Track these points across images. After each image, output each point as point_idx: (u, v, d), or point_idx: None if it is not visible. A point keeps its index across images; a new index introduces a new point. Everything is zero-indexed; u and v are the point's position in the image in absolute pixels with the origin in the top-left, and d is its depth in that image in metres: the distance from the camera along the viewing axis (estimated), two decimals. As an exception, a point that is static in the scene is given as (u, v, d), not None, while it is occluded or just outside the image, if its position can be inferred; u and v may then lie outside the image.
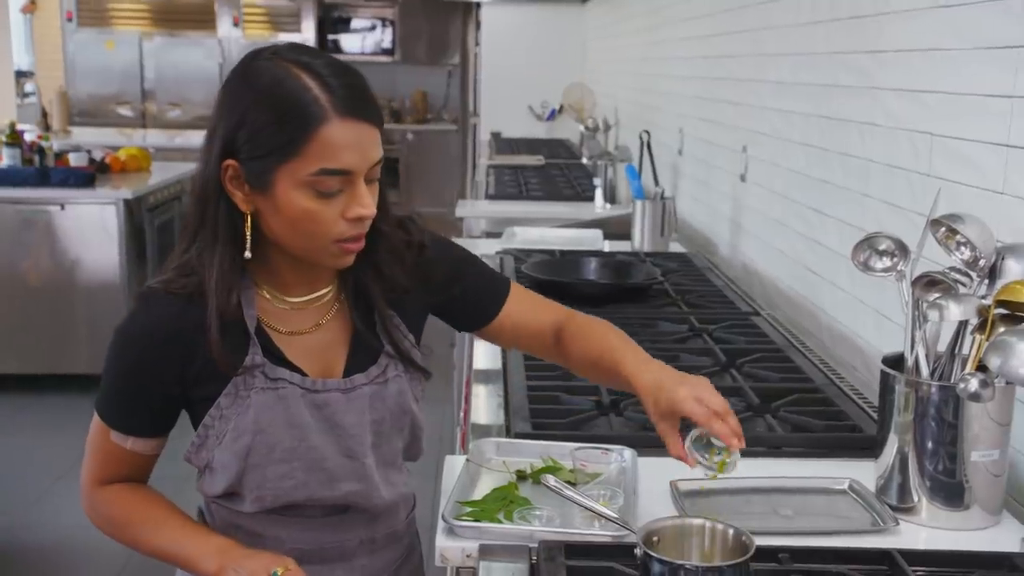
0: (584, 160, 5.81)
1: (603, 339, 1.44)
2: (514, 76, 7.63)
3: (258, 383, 1.27)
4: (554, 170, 5.40)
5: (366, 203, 1.22)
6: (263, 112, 1.19)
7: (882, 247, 1.46)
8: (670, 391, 1.30)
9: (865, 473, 1.50)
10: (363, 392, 1.32)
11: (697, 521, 1.15)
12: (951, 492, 1.37)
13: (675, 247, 3.38)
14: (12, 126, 5.32)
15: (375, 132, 1.22)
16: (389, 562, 1.41)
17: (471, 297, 1.46)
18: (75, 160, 5.11)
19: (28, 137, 5.32)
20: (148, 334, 1.26)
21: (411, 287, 1.36)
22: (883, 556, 1.24)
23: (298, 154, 1.18)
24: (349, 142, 1.19)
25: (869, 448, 1.58)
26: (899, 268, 1.45)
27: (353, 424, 1.31)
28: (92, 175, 5.04)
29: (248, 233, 1.24)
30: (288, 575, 1.21)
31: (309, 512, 1.33)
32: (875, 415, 1.71)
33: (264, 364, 1.27)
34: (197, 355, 1.25)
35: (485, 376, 2.01)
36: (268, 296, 1.30)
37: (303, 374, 1.30)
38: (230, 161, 1.21)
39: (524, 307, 1.50)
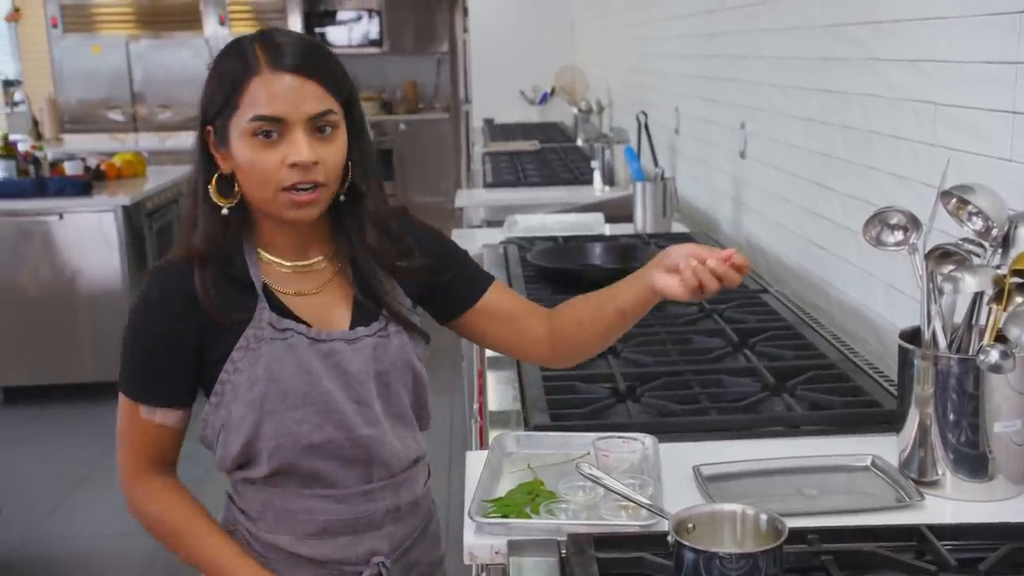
0: (580, 143, 5.79)
1: (591, 293, 1.50)
2: (504, 61, 7.60)
3: (267, 334, 1.36)
4: (550, 154, 5.39)
5: (299, 149, 1.30)
6: (216, 75, 1.35)
7: (893, 221, 1.45)
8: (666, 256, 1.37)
9: (886, 448, 1.50)
10: (367, 343, 1.40)
11: (728, 507, 1.15)
12: (975, 464, 1.37)
13: (677, 227, 3.37)
14: (5, 138, 5.30)
15: (312, 85, 1.31)
16: (413, 528, 1.49)
17: (456, 280, 1.51)
18: (70, 169, 5.09)
19: (22, 147, 5.30)
20: (162, 305, 1.36)
21: (397, 254, 1.44)
22: (912, 532, 1.24)
23: (238, 106, 1.31)
24: (279, 92, 1.30)
25: (888, 422, 1.58)
26: (911, 241, 1.44)
27: (359, 371, 1.39)
28: (88, 183, 5.03)
29: (213, 191, 1.36)
30: None
31: (338, 482, 1.40)
32: (892, 388, 1.72)
33: (272, 317, 1.37)
34: (204, 318, 1.34)
35: (497, 365, 2.00)
36: (268, 261, 1.41)
37: (308, 325, 1.38)
38: (208, 127, 1.36)
39: (508, 296, 1.54)
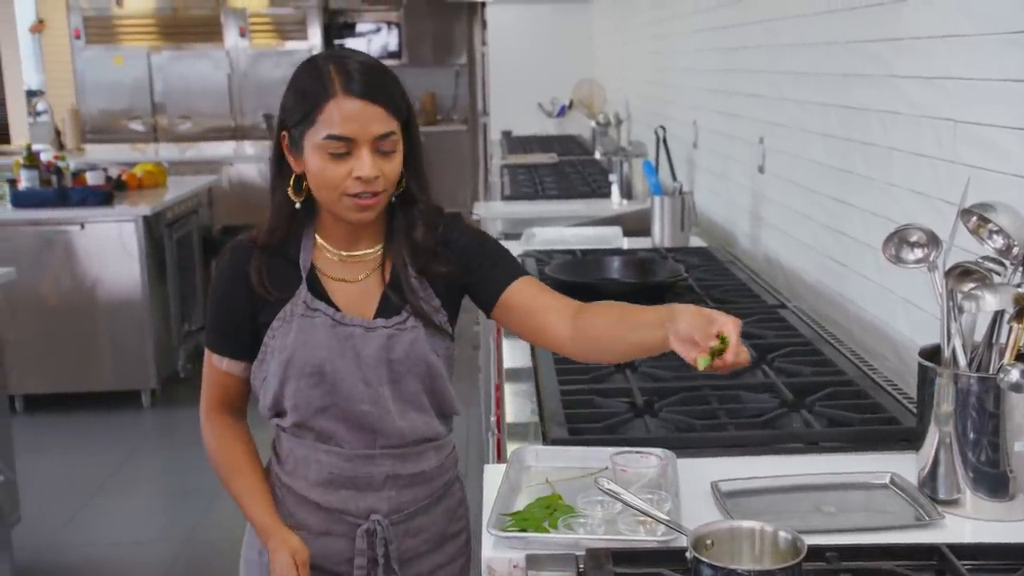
0: (598, 156, 5.80)
1: (622, 304, 1.57)
2: (522, 74, 7.62)
3: (299, 311, 1.59)
4: (568, 167, 5.40)
5: (365, 166, 1.50)
6: (296, 91, 1.55)
7: (913, 239, 1.46)
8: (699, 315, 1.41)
9: (905, 466, 1.50)
10: (381, 333, 1.59)
11: (747, 524, 1.15)
12: (995, 483, 1.37)
13: (695, 241, 3.37)
14: (29, 148, 5.35)
15: (378, 110, 1.51)
16: (417, 498, 1.66)
17: (488, 270, 1.64)
18: (92, 179, 5.14)
19: (44, 157, 5.36)
20: (229, 274, 1.63)
21: (439, 254, 1.62)
22: (931, 551, 1.24)
23: (314, 122, 1.51)
24: (350, 115, 1.49)
25: (908, 440, 1.58)
26: (931, 259, 1.44)
27: (371, 356, 1.58)
28: (110, 193, 5.07)
29: (291, 190, 1.58)
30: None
31: (345, 442, 1.61)
32: (911, 406, 1.72)
33: (307, 297, 1.59)
34: (261, 290, 1.59)
35: (515, 377, 2.01)
36: (323, 247, 1.63)
37: (337, 309, 1.59)
38: (284, 132, 1.57)
39: (531, 292, 1.64)
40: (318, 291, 1.61)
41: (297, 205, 1.59)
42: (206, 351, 1.68)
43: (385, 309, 1.60)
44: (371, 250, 1.63)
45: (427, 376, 1.62)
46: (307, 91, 1.52)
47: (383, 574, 1.63)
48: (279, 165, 1.59)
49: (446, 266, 1.62)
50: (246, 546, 1.74)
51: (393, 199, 1.60)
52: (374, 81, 1.52)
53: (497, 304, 1.63)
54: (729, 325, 1.35)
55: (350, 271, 1.62)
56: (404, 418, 1.61)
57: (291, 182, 1.57)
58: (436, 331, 1.62)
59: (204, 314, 1.69)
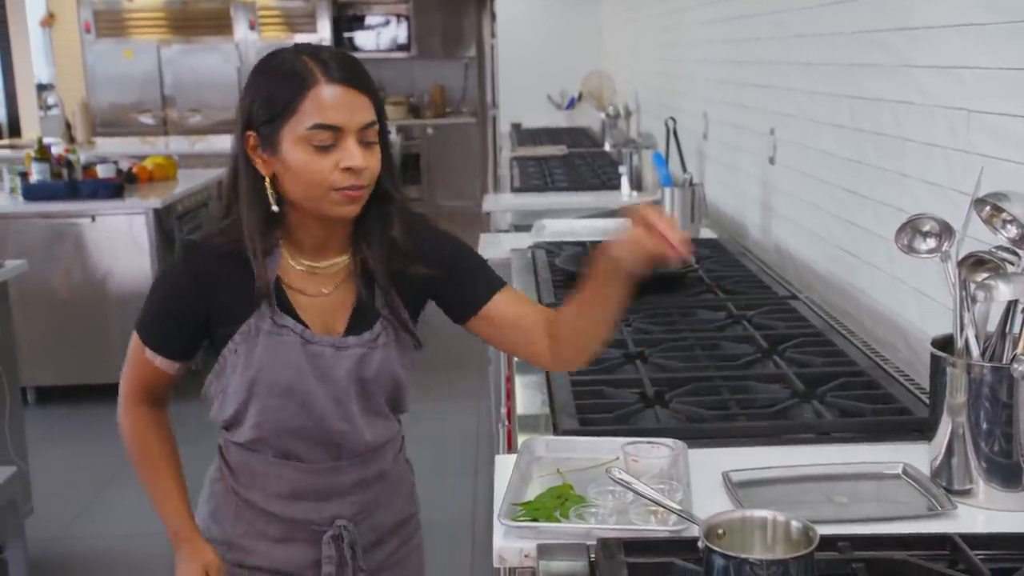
0: (607, 148, 5.79)
1: (573, 295, 1.55)
2: (531, 66, 7.61)
3: (265, 326, 1.50)
4: (577, 159, 5.39)
5: (355, 155, 1.43)
6: (271, 83, 1.44)
7: (926, 228, 1.45)
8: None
9: (917, 456, 1.49)
10: (353, 352, 1.53)
11: (759, 514, 1.15)
12: (1008, 473, 1.36)
13: (705, 233, 3.37)
14: (40, 141, 5.36)
15: (363, 98, 1.44)
16: (379, 494, 1.64)
17: (467, 280, 1.59)
18: (103, 172, 5.14)
19: (55, 150, 5.36)
20: (186, 275, 1.52)
21: (416, 255, 1.54)
22: (944, 541, 1.23)
23: (296, 112, 1.41)
24: (337, 102, 1.42)
25: (919, 430, 1.58)
26: (944, 249, 1.43)
27: (341, 377, 1.53)
28: (120, 186, 5.08)
29: (270, 191, 1.47)
30: None
31: (307, 458, 1.56)
32: (923, 396, 1.71)
33: (275, 312, 1.50)
34: (221, 299, 1.50)
35: (525, 370, 2.01)
36: (289, 258, 1.53)
37: (306, 326, 1.52)
38: (250, 132, 1.46)
39: (514, 304, 1.59)
40: (285, 306, 1.52)
41: (275, 208, 1.47)
42: (136, 340, 1.57)
43: (356, 324, 1.54)
44: (339, 259, 1.55)
45: (394, 390, 1.59)
46: (281, 85, 1.43)
47: (351, 574, 1.60)
48: (247, 169, 1.48)
49: (427, 267, 1.54)
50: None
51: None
52: (353, 68, 1.46)
53: (476, 316, 1.57)
54: (642, 212, 1.39)
55: (317, 284, 1.54)
56: (370, 428, 1.58)
57: (267, 184, 1.46)
58: (407, 341, 1.57)
59: (145, 302, 1.58)
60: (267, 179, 1.47)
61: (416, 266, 1.54)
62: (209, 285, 1.50)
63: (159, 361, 1.56)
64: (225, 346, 1.51)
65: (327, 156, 1.42)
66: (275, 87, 1.43)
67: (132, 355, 1.59)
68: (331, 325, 1.54)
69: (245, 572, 1.60)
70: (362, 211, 1.49)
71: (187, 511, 1.60)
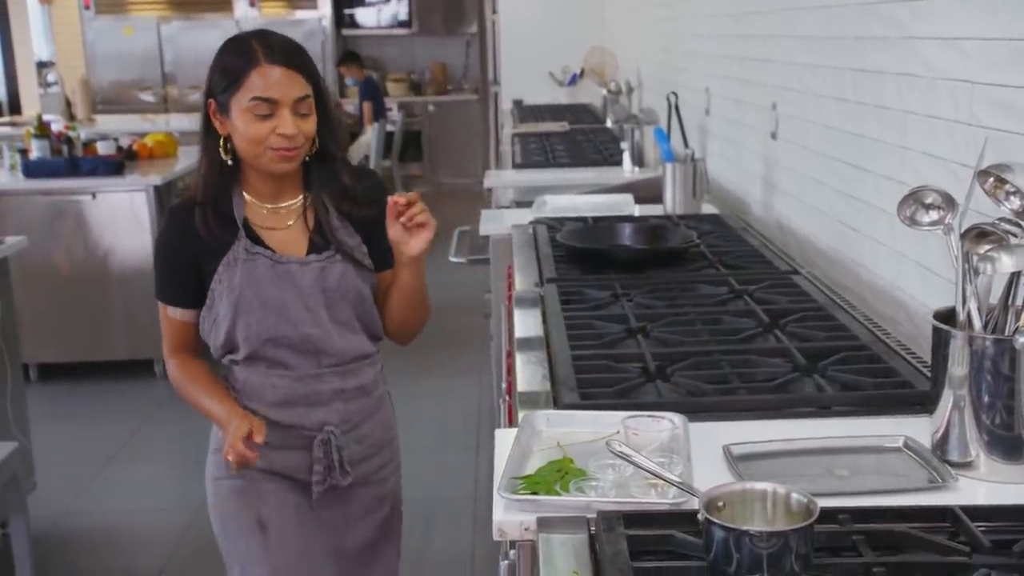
0: (609, 124, 5.76)
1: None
2: (533, 42, 7.57)
3: (241, 256, 1.86)
4: (579, 135, 5.36)
5: (288, 123, 1.79)
6: (226, 60, 1.82)
7: (928, 200, 1.44)
8: None
9: (918, 429, 1.49)
10: (315, 267, 1.88)
11: (760, 486, 1.15)
12: (1010, 446, 1.36)
13: (707, 208, 3.35)
14: (39, 118, 5.35)
15: (298, 77, 1.81)
16: (360, 408, 1.96)
17: (382, 246, 1.91)
18: (103, 149, 5.14)
19: (55, 128, 5.35)
20: (173, 235, 1.90)
21: (362, 201, 1.92)
22: (945, 513, 1.23)
23: (241, 86, 1.79)
24: (274, 80, 1.78)
25: (921, 404, 1.57)
26: (947, 221, 1.43)
27: (308, 285, 1.87)
28: (121, 163, 5.07)
29: (222, 148, 1.85)
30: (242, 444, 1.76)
31: (294, 366, 1.89)
32: (925, 370, 1.71)
33: (247, 244, 1.87)
34: (202, 243, 1.86)
35: (526, 345, 2.01)
36: (251, 201, 1.91)
37: (274, 252, 1.88)
38: (211, 99, 1.84)
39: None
40: (254, 238, 1.88)
41: (229, 162, 1.85)
42: (160, 304, 1.93)
43: (314, 248, 1.90)
44: (293, 201, 1.92)
45: (358, 302, 1.92)
46: (234, 62, 1.79)
47: (338, 476, 1.92)
48: (206, 130, 1.86)
49: (367, 209, 1.92)
50: (209, 465, 1.98)
51: (307, 157, 1.87)
52: (292, 52, 1.81)
53: (390, 269, 1.94)
54: (393, 200, 1.81)
55: (278, 220, 1.91)
56: (342, 337, 1.91)
57: (221, 143, 1.83)
58: (359, 265, 1.91)
59: (155, 272, 1.94)
60: (222, 138, 1.84)
61: (360, 208, 1.91)
62: (192, 236, 1.86)
63: (179, 314, 1.92)
64: (211, 280, 1.85)
65: (265, 123, 1.79)
66: (229, 63, 1.80)
67: (161, 320, 1.95)
68: (294, 250, 1.89)
69: (250, 474, 1.89)
70: (308, 164, 1.89)
71: (233, 402, 1.88)
